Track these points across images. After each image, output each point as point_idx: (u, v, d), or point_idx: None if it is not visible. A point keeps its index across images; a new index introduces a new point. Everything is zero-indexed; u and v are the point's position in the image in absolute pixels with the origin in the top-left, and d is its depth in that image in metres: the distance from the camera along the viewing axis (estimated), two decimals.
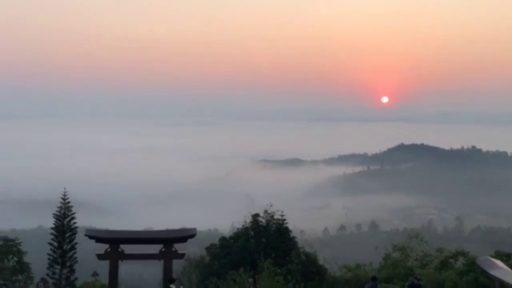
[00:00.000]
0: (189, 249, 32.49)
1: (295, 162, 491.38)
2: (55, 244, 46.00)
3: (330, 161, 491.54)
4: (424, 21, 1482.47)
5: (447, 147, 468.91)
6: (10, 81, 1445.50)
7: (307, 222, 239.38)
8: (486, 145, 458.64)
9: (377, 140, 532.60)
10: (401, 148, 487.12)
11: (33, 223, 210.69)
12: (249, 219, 51.56)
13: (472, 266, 37.63)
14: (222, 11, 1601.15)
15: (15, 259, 48.70)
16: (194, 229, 29.97)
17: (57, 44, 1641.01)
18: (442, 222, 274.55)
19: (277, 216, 50.58)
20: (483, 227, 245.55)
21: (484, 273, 31.98)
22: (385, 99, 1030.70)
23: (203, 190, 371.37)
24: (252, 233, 50.59)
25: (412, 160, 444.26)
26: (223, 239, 53.53)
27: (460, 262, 42.91)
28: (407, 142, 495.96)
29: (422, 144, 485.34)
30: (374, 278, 28.36)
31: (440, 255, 45.00)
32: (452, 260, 43.73)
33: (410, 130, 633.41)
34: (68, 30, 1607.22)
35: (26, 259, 49.33)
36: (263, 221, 50.50)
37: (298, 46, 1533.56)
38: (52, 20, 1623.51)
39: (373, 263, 50.33)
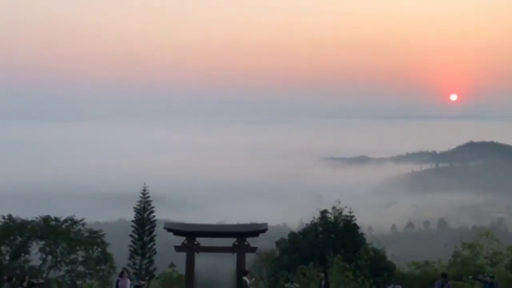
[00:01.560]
0: (260, 243, 32.68)
1: (362, 160, 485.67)
2: (136, 236, 47.30)
3: (398, 159, 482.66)
4: (492, 19, 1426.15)
5: None
6: (99, 84, 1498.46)
7: (374, 219, 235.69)
8: None
9: (446, 138, 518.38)
10: (470, 146, 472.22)
11: (114, 216, 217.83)
12: (317, 215, 51.30)
13: None
14: (298, 13, 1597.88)
15: (99, 249, 50.18)
16: (266, 224, 30.13)
17: (128, 45, 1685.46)
18: None
19: (345, 213, 50.07)
20: None
21: None
22: (454, 97, 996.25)
23: (273, 186, 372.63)
24: (320, 229, 50.33)
25: (481, 158, 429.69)
26: (292, 234, 53.50)
27: None
28: (476, 140, 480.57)
29: (492, 142, 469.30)
30: (444, 275, 27.63)
31: (511, 254, 43.30)
32: None
33: (479, 128, 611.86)
34: (143, 30, 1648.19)
35: (109, 250, 50.71)
36: (332, 217, 50.14)
37: (367, 46, 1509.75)
38: (141, 23, 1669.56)
39: (442, 260, 49.00)
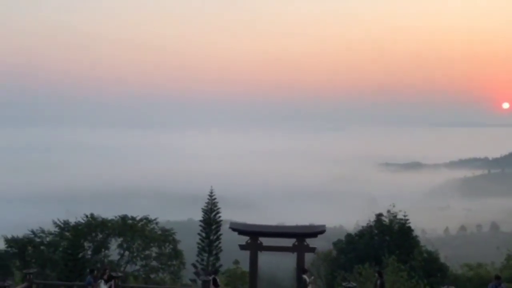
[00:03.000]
0: (318, 243, 32.31)
1: (416, 166, 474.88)
2: (203, 234, 47.81)
3: (451, 165, 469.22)
4: None
5: None
6: (170, 95, 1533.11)
7: (428, 222, 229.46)
8: None
9: (497, 145, 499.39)
10: None
11: (184, 216, 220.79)
12: (373, 218, 50.40)
13: None
14: (346, 25, 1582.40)
15: (171, 246, 51.00)
16: (324, 226, 29.84)
17: (190, 58, 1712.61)
18: None
19: (399, 216, 48.98)
20: None
21: None
22: (506, 105, 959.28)
23: (330, 190, 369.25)
24: (376, 231, 49.40)
25: None
26: (348, 235, 52.74)
27: None
28: None
29: None
30: (497, 277, 26.54)
31: None
32: None
33: None
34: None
35: (179, 247, 51.45)
36: (386, 220, 49.15)
37: (421, 56, 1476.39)
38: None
39: (495, 263, 47.16)
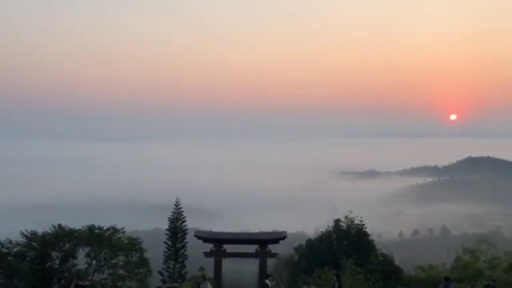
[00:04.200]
0: (280, 249, 32.29)
1: (371, 174, 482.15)
2: (169, 243, 47.15)
3: (404, 173, 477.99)
4: (489, 43, 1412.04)
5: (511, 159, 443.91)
6: (135, 110, 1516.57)
7: (383, 227, 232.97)
8: None
9: (446, 154, 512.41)
10: (469, 161, 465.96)
11: (151, 225, 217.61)
12: (331, 224, 50.77)
13: None
14: (306, 40, 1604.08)
15: (138, 255, 50.06)
16: (285, 232, 29.92)
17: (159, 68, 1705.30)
18: (509, 228, 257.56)
19: (356, 221, 49.48)
20: None
21: None
22: (453, 117, 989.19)
23: (292, 198, 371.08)
24: (334, 236, 49.73)
25: (479, 171, 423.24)
26: (309, 240, 52.90)
27: None
28: (475, 155, 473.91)
29: (488, 157, 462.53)
30: (447, 278, 26.95)
31: (509, 258, 42.25)
32: None
33: (477, 144, 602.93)
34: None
35: (146, 255, 50.61)
36: (344, 225, 49.57)
37: (374, 69, 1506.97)
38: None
39: (445, 264, 48.03)
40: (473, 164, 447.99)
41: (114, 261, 49.12)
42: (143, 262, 49.56)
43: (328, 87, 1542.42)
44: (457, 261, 44.84)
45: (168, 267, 46.85)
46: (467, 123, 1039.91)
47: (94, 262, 48.70)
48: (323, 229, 52.89)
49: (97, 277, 48.36)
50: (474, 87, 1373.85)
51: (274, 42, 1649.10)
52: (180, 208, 48.46)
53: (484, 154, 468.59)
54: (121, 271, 49.01)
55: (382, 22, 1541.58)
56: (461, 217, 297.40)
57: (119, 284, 47.83)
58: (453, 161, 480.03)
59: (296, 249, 52.51)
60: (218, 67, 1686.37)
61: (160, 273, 47.94)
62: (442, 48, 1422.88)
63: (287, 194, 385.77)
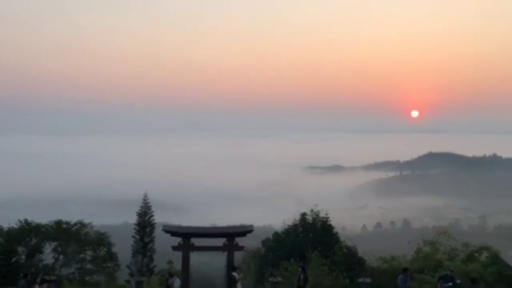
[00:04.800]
0: (247, 242, 32.37)
1: (337, 169, 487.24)
2: (138, 237, 46.91)
3: (367, 168, 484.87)
4: (447, 43, 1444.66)
5: (470, 154, 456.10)
6: (106, 103, 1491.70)
7: (348, 220, 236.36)
8: (505, 153, 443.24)
9: (408, 149, 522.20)
10: (430, 156, 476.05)
11: (119, 220, 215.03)
12: (298, 217, 51.18)
13: (496, 259, 36.16)
14: (262, 36, 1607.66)
15: (105, 249, 49.62)
16: (252, 226, 29.95)
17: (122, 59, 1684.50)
18: (467, 221, 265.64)
19: (322, 215, 49.96)
20: (504, 225, 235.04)
21: (507, 266, 30.69)
22: (415, 113, 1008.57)
23: (260, 192, 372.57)
24: (300, 229, 50.14)
25: (439, 166, 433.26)
26: (276, 234, 53.21)
27: (484, 256, 41.26)
28: (435, 150, 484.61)
29: (448, 152, 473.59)
30: (405, 270, 27.35)
31: (466, 250, 43.26)
32: (476, 254, 42.03)
33: (437, 140, 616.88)
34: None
35: (114, 249, 50.20)
36: (310, 218, 49.99)
37: (339, 67, 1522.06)
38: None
39: (406, 256, 48.97)
40: (433, 159, 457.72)
41: (82, 255, 48.54)
42: (111, 257, 49.10)
43: (295, 84, 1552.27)
44: (417, 252, 45.66)
45: (136, 261, 46.59)
46: (428, 120, 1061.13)
47: (61, 257, 48.00)
48: (290, 223, 53.25)
49: (64, 271, 47.64)
50: (435, 84, 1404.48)
51: (239, 39, 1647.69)
52: (148, 202, 48.21)
53: (444, 149, 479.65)
54: (88, 266, 48.51)
55: (345, 19, 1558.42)
56: (422, 210, 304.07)
57: (87, 278, 47.26)
58: (415, 156, 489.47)
59: (263, 242, 52.74)
60: (185, 63, 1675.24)
61: (128, 267, 47.60)
62: (404, 46, 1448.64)
63: (255, 189, 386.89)
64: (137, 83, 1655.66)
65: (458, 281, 26.86)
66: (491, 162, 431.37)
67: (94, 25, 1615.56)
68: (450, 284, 25.61)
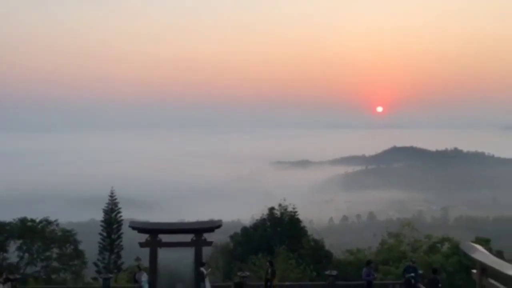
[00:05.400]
0: (216, 237, 32.21)
1: (304, 163, 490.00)
2: (105, 234, 46.24)
3: (334, 162, 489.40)
4: (409, 42, 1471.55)
5: (433, 148, 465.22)
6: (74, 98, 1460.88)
7: (315, 214, 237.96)
8: (466, 147, 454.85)
9: (373, 144, 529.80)
10: (394, 150, 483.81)
11: (85, 217, 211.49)
12: (266, 212, 51.42)
13: (456, 250, 37.12)
14: (237, 33, 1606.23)
15: (72, 247, 48.85)
16: (220, 221, 29.85)
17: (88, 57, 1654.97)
18: (430, 213, 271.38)
19: (289, 209, 50.38)
20: (465, 216, 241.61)
21: (467, 256, 31.45)
22: (379, 109, 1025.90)
23: (228, 188, 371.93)
24: (269, 223, 50.42)
25: (403, 160, 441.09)
26: (244, 228, 53.36)
27: (445, 247, 42.31)
28: (399, 145, 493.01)
29: (412, 147, 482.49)
30: (369, 262, 27.72)
31: (429, 241, 44.33)
32: (439, 245, 43.12)
33: (401, 135, 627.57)
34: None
35: (80, 247, 49.45)
36: (278, 213, 50.34)
37: (305, 63, 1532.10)
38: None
39: (371, 248, 49.75)
40: (397, 153, 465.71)
41: (48, 253, 47.67)
42: (78, 254, 48.38)
43: (262, 79, 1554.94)
44: (382, 244, 46.52)
45: (104, 258, 45.93)
46: (392, 115, 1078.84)
47: (26, 255, 47.03)
48: (258, 217, 53.46)
49: (29, 270, 46.62)
50: (399, 80, 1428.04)
51: (212, 35, 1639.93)
52: (115, 199, 47.55)
53: (408, 144, 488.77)
54: (55, 264, 47.67)
55: (309, 17, 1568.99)
56: (387, 203, 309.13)
57: (53, 276, 46.36)
58: (379, 150, 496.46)
59: (231, 237, 52.79)
60: (160, 58, 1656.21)
61: (95, 264, 46.88)
62: (369, 43, 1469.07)
63: (223, 184, 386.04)
64: (104, 78, 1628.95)
65: (420, 272, 27.47)
66: (453, 156, 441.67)
67: (80, 20, 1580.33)
68: (412, 274, 26.20)
